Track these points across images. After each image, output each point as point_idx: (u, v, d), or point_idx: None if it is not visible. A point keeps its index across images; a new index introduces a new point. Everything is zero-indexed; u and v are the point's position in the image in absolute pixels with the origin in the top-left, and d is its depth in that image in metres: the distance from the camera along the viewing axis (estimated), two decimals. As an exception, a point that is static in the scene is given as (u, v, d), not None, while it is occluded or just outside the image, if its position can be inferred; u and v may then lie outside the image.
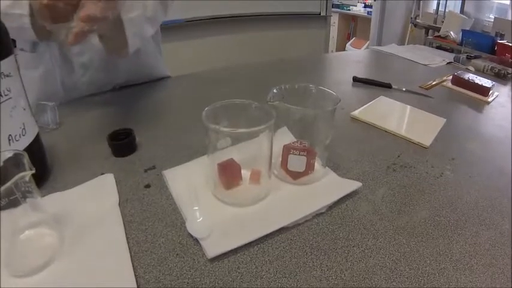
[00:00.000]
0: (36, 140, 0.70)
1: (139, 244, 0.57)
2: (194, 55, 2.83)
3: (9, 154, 0.51)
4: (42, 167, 0.73)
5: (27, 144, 0.67)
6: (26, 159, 0.50)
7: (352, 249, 0.57)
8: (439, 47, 3.11)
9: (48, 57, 1.00)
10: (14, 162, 0.51)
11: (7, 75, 0.62)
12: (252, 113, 0.65)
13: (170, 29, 2.67)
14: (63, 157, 0.79)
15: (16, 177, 0.47)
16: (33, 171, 0.49)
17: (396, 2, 4.51)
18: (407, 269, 0.54)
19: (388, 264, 0.55)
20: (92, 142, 0.84)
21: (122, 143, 0.80)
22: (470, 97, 1.29)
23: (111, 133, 0.80)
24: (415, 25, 4.17)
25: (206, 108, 0.62)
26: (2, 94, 0.60)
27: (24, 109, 0.67)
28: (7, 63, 0.62)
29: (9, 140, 0.62)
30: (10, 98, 0.62)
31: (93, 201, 0.66)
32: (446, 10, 3.97)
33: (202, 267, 0.53)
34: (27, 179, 0.49)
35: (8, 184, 0.46)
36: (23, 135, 0.66)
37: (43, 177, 0.72)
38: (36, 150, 0.70)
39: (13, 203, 0.49)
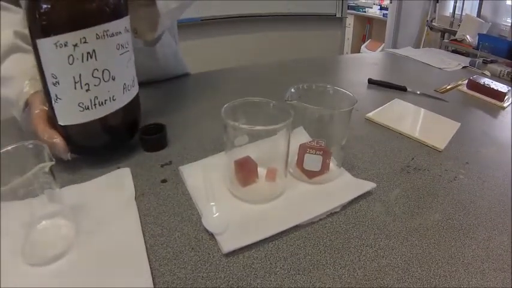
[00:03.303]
0: (138, 93, 0.79)
1: (155, 237, 0.58)
2: (209, 54, 2.83)
3: (29, 145, 0.53)
4: (138, 117, 0.82)
5: (135, 95, 0.75)
6: (45, 151, 0.52)
7: (365, 248, 0.58)
8: (454, 51, 3.08)
9: None
10: (34, 153, 0.52)
11: (127, 31, 0.68)
12: (270, 111, 0.66)
13: (186, 27, 2.68)
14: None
15: (36, 168, 0.48)
16: (53, 163, 0.50)
17: (412, 4, 4.47)
18: (419, 270, 0.54)
19: (400, 264, 0.55)
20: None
21: (153, 138, 0.81)
22: (485, 102, 1.28)
23: (142, 127, 0.82)
24: (431, 28, 4.13)
25: (225, 106, 0.63)
26: (124, 46, 0.67)
27: (134, 63, 0.74)
28: (128, 20, 0.69)
29: (124, 88, 0.70)
30: (128, 50, 0.69)
31: (110, 194, 0.67)
32: (463, 13, 3.93)
33: (217, 262, 0.54)
34: (46, 170, 0.50)
35: (28, 174, 0.47)
36: (133, 87, 0.74)
37: (136, 128, 0.81)
38: (137, 101, 0.79)
39: (32, 193, 0.50)
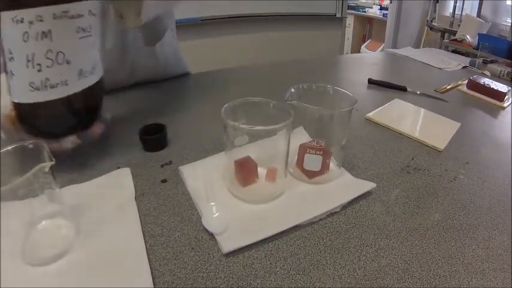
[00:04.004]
0: (101, 81, 0.74)
1: (155, 238, 0.58)
2: (209, 54, 2.83)
3: (29, 145, 0.53)
4: (96, 107, 0.77)
5: (93, 83, 0.71)
6: (45, 151, 0.51)
7: (365, 248, 0.58)
8: (454, 51, 3.08)
9: None
10: (34, 153, 0.52)
11: (93, 14, 0.65)
12: (270, 111, 0.66)
13: (186, 27, 2.68)
14: (80, 150, 0.80)
15: (36, 168, 0.48)
16: (53, 163, 0.50)
17: (412, 4, 4.47)
18: (419, 270, 0.54)
19: (400, 264, 0.55)
20: (108, 136, 0.85)
21: (153, 138, 0.81)
22: (485, 102, 1.28)
23: (142, 127, 0.82)
24: (431, 28, 4.13)
25: (225, 105, 0.63)
26: (86, 30, 0.64)
27: (98, 50, 0.71)
28: (96, 4, 0.67)
29: (80, 74, 0.66)
30: (91, 35, 0.66)
31: (110, 194, 0.67)
32: (463, 13, 3.93)
33: (217, 262, 0.54)
34: (46, 170, 0.50)
35: (28, 174, 0.47)
36: (92, 74, 0.69)
37: (93, 117, 0.76)
38: (97, 89, 0.73)
39: (32, 193, 0.50)
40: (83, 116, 0.74)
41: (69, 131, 0.71)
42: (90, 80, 0.70)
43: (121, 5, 0.76)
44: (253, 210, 0.64)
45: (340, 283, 0.52)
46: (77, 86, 0.67)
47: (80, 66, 0.66)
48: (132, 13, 0.80)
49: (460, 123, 1.04)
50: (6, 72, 0.63)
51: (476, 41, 3.18)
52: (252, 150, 0.67)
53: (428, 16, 4.27)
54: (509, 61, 1.85)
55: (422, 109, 1.14)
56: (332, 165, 0.74)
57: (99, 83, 0.73)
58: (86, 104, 0.73)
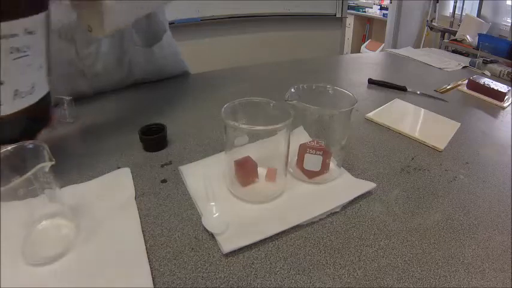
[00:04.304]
0: (43, 99, 0.68)
1: (154, 238, 0.58)
2: (209, 54, 2.83)
3: (29, 145, 0.53)
4: (45, 120, 0.72)
5: (33, 103, 0.65)
6: (46, 151, 0.51)
7: (365, 248, 0.58)
8: (454, 51, 3.08)
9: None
10: (34, 153, 0.52)
11: (29, 33, 0.60)
12: (270, 112, 0.66)
13: (186, 27, 2.68)
14: (80, 150, 0.80)
15: (36, 167, 0.47)
16: (53, 162, 0.50)
17: (412, 4, 4.48)
18: (419, 270, 0.54)
19: (400, 264, 0.55)
20: (108, 137, 0.86)
21: (153, 138, 0.81)
22: (485, 102, 1.28)
23: (142, 127, 0.82)
24: (431, 28, 4.14)
25: (225, 105, 0.63)
26: (21, 50, 0.59)
27: (41, 67, 0.66)
28: (33, 21, 0.61)
29: (16, 95, 0.61)
30: (27, 55, 0.61)
31: (110, 194, 0.67)
32: (463, 13, 3.94)
33: (217, 262, 0.54)
34: (46, 170, 0.50)
35: (28, 174, 0.46)
36: (30, 94, 0.64)
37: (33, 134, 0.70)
38: (41, 106, 0.68)
39: (32, 193, 0.50)
40: (27, 129, 0.69)
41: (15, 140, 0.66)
42: (28, 100, 0.65)
43: (84, 16, 0.74)
44: (253, 210, 0.64)
45: (340, 283, 0.52)
46: (12, 107, 0.62)
47: (15, 87, 0.61)
48: (96, 24, 0.75)
49: (460, 123, 1.04)
50: None
51: (476, 41, 3.18)
52: (252, 150, 0.67)
53: (428, 16, 4.28)
54: (509, 61, 1.85)
55: (422, 109, 1.14)
56: (332, 165, 0.74)
57: (42, 100, 0.68)
58: (27, 121, 0.67)
